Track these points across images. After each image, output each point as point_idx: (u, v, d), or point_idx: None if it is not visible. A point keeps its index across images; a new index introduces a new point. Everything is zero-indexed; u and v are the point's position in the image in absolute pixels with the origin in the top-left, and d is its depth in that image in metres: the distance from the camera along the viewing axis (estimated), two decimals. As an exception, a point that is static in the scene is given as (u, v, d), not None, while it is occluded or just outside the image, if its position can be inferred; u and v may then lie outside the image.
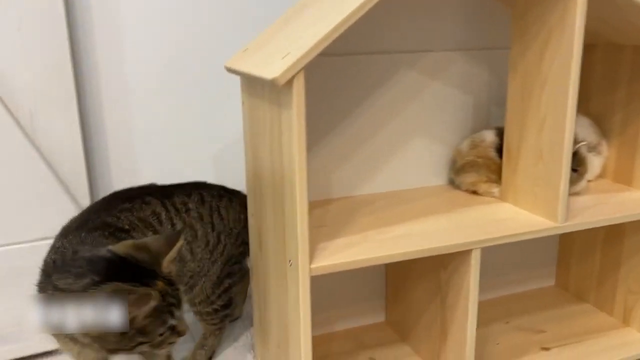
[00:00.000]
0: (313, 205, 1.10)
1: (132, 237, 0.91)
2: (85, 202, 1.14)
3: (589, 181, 1.19)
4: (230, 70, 0.98)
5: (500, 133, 1.12)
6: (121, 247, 0.79)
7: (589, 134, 1.18)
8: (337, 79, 1.09)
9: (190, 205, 1.01)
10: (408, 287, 1.14)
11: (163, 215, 0.98)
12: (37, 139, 1.08)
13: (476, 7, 1.15)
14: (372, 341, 1.19)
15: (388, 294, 1.25)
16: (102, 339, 0.75)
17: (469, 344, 0.96)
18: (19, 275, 1.11)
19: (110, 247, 0.79)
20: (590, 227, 0.99)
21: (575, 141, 1.07)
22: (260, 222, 1.00)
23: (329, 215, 1.05)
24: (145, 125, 1.22)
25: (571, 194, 1.11)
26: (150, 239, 0.81)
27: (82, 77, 1.16)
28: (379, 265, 1.24)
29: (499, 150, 1.11)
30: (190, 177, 1.26)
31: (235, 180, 1.29)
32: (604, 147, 1.20)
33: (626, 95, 1.16)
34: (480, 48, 1.18)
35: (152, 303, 0.75)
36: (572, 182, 1.08)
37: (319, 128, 1.10)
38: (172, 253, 0.81)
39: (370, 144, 1.15)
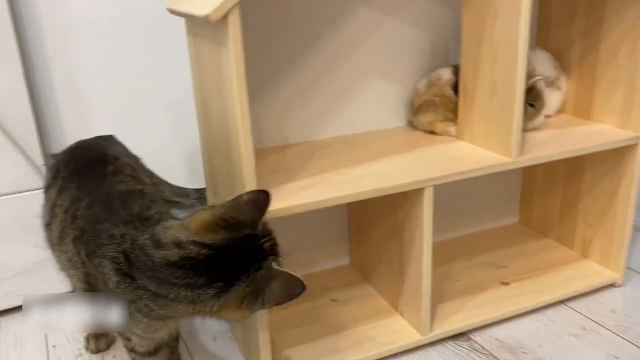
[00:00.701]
0: (269, 152, 1.08)
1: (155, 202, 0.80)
2: (37, 156, 1.11)
3: (548, 116, 1.19)
4: (172, 11, 0.93)
5: (457, 70, 1.10)
6: (211, 235, 0.66)
7: (547, 68, 1.16)
8: (286, 18, 1.05)
9: (129, 161, 0.94)
10: (369, 229, 1.15)
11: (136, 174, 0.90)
12: (-21, 93, 1.04)
13: (431, -62, 1.11)
14: (337, 283, 1.21)
15: (351, 237, 1.25)
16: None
17: (425, 282, 0.97)
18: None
19: (195, 238, 0.66)
20: (543, 161, 0.99)
21: (532, 76, 1.06)
22: (213, 169, 0.99)
23: (285, 160, 1.04)
24: (94, 72, 1.17)
25: (529, 129, 1.10)
26: (229, 209, 0.67)
27: (22, 26, 1.10)
28: (342, 209, 1.23)
29: (456, 88, 1.09)
30: (145, 124, 1.23)
31: (192, 128, 1.26)
32: (563, 82, 1.19)
33: (584, 27, 1.14)
34: (437, -18, 1.14)
35: (302, 289, 0.68)
36: (530, 117, 1.07)
37: (270, 72, 1.07)
38: (265, 214, 0.70)
39: (325, 87, 1.12)
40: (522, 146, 1.00)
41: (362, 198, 0.88)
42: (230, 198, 0.68)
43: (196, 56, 0.93)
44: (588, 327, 1.08)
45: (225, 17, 0.71)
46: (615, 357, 0.99)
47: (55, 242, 0.82)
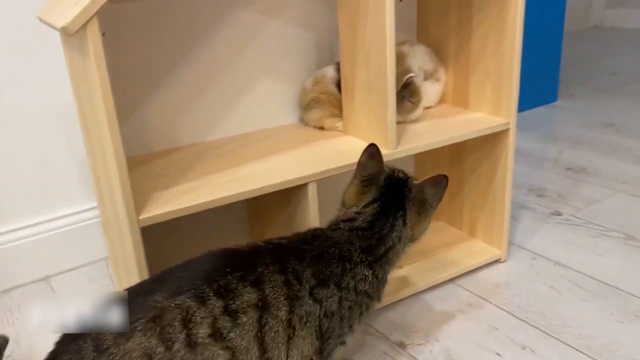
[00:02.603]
0: (157, 156, 1.08)
1: None
2: None
3: (429, 107, 1.25)
4: (42, 21, 0.91)
5: (340, 68, 1.14)
6: (367, 195, 0.86)
7: (426, 61, 1.23)
8: (168, 21, 1.05)
9: None
10: (267, 225, 1.17)
11: None
12: None
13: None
14: (239, 281, 1.22)
15: (252, 234, 1.27)
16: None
17: (316, 273, 1.01)
18: None
19: (361, 204, 0.86)
20: (419, 151, 1.06)
21: (410, 71, 1.12)
22: (98, 181, 0.98)
23: (173, 163, 1.04)
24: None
25: (408, 122, 1.16)
26: (360, 173, 0.88)
27: None
28: (243, 207, 1.25)
29: (340, 85, 1.13)
30: (34, 134, 1.20)
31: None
32: (442, 74, 1.26)
33: (457, 22, 1.21)
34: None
35: (446, 179, 0.89)
36: (408, 111, 1.13)
37: (155, 75, 1.07)
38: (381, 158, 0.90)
39: (213, 88, 1.13)
40: (400, 138, 1.06)
41: (243, 198, 0.90)
42: (111, 204, 0.78)
43: (70, 64, 0.92)
44: (473, 303, 1.16)
45: (83, 28, 0.71)
46: (495, 328, 1.08)
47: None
